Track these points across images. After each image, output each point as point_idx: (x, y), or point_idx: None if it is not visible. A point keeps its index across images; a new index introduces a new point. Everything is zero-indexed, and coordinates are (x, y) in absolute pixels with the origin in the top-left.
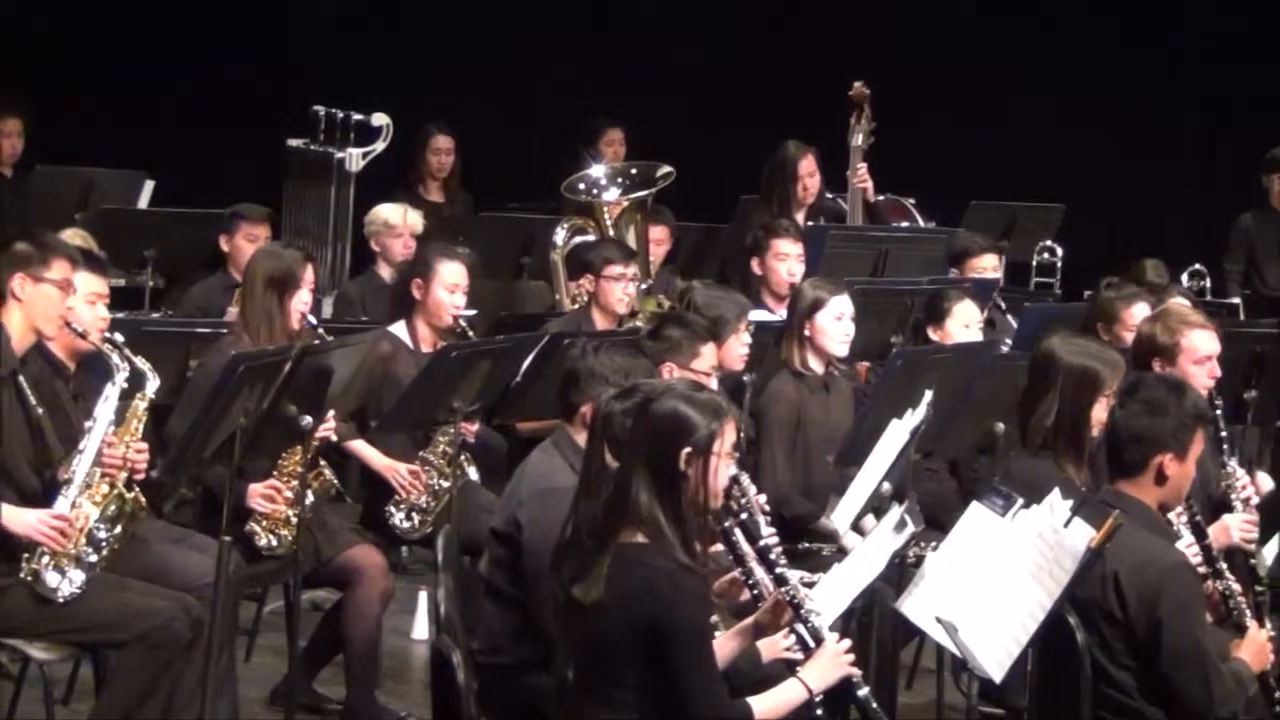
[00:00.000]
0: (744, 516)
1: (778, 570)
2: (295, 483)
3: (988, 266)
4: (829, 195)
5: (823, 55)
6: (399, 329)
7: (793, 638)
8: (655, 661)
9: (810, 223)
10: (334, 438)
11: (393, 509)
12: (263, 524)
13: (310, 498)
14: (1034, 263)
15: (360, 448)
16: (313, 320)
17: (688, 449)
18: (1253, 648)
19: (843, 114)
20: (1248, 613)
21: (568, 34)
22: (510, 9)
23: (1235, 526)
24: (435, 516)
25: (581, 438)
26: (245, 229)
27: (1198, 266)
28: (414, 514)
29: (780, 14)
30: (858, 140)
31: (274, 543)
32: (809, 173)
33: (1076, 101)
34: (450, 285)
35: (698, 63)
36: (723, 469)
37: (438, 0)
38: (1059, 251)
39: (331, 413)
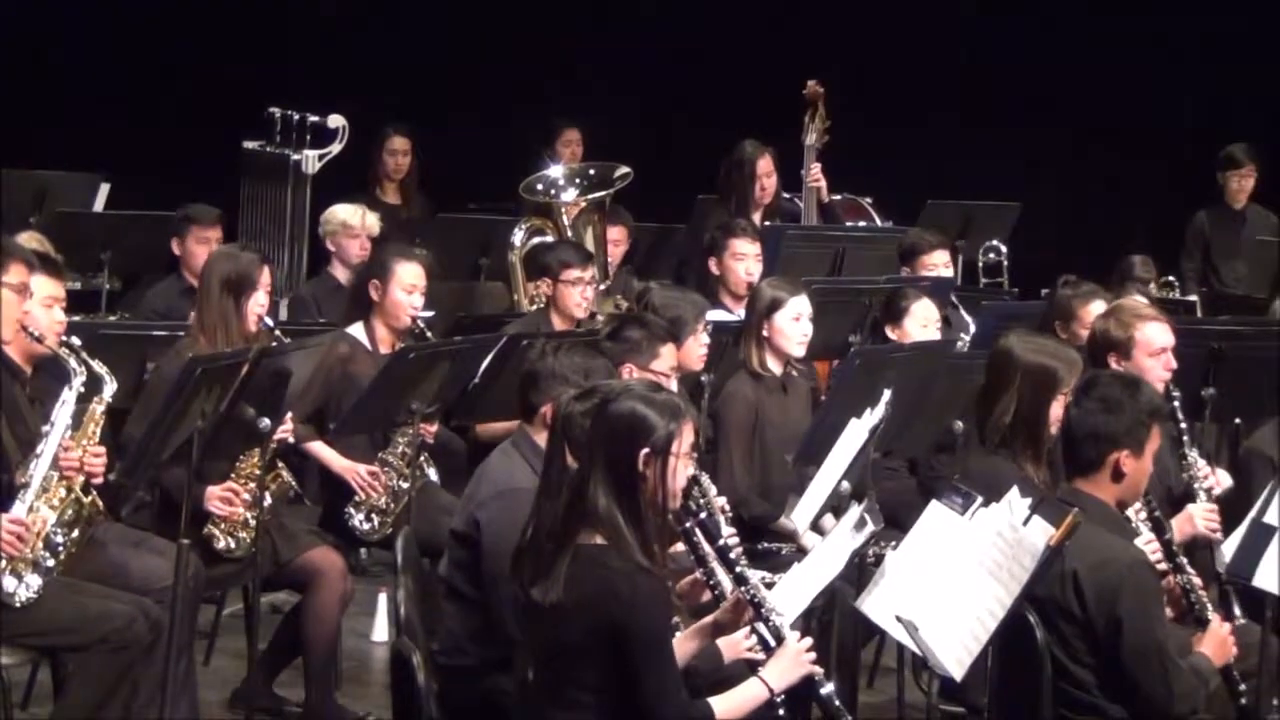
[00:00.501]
0: (703, 516)
1: (737, 570)
2: (253, 485)
3: (938, 264)
4: (785, 196)
5: (780, 55)
6: (357, 330)
7: (754, 637)
8: (615, 663)
9: (767, 223)
10: (292, 440)
11: (352, 510)
12: (221, 526)
13: (268, 500)
14: (980, 262)
15: (319, 449)
16: (269, 322)
17: (646, 450)
18: (1214, 641)
19: (799, 114)
20: (1209, 606)
21: (526, 34)
22: (467, 10)
23: (1199, 515)
24: (394, 518)
25: (541, 438)
26: (196, 231)
27: (1169, 278)
28: (373, 515)
29: (738, 13)
30: (811, 139)
31: (232, 545)
32: (766, 172)
33: (1033, 100)
34: (408, 286)
35: (655, 63)
36: (681, 469)
37: (394, 1)
38: (1004, 250)
39: (290, 415)
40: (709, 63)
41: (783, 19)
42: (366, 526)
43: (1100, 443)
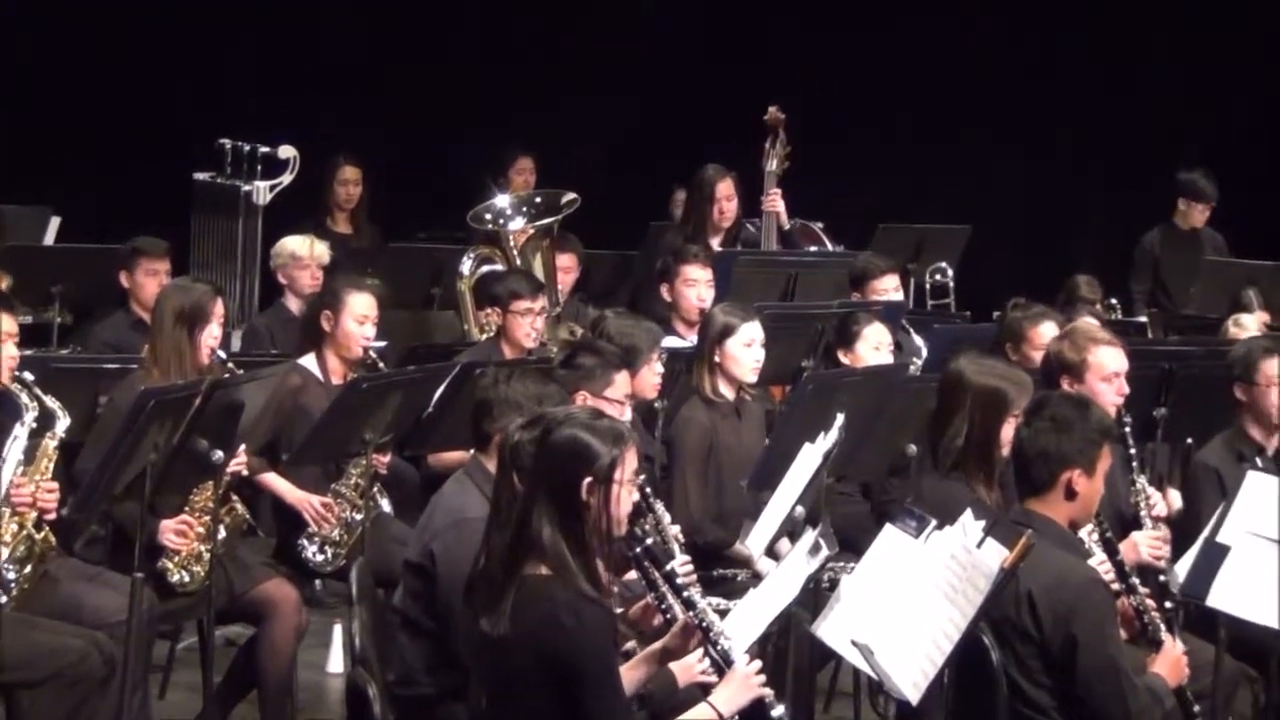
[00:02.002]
0: (649, 543)
1: (685, 595)
2: (207, 518)
3: (888, 288)
4: (748, 223)
5: (739, 82)
6: (309, 361)
7: (706, 660)
8: (563, 694)
9: (723, 247)
10: (245, 472)
11: (305, 542)
12: (174, 560)
13: (222, 533)
14: (926, 285)
15: (272, 480)
16: (223, 355)
17: (589, 478)
18: (1168, 662)
19: (760, 142)
20: (1162, 627)
21: (475, 63)
22: (416, 39)
23: (1144, 543)
24: (348, 549)
25: (494, 466)
26: (145, 264)
27: (1112, 301)
28: (326, 547)
29: (695, 41)
30: (772, 165)
31: (186, 579)
32: (726, 196)
33: (985, 123)
34: (359, 317)
35: (612, 89)
36: (625, 496)
37: (343, 32)
38: (949, 272)
39: (243, 447)
40: (665, 89)
41: (740, 45)
42: (320, 558)
43: (1052, 462)
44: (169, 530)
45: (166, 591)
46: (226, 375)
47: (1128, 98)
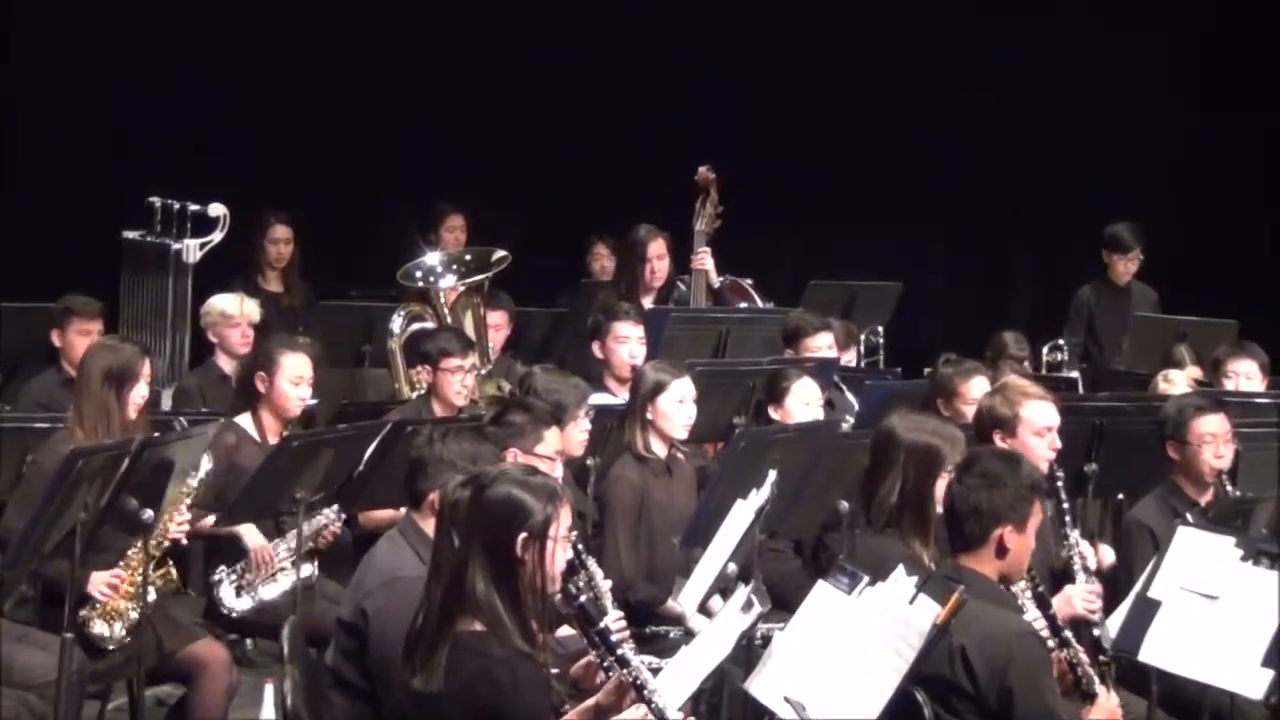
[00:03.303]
0: (583, 599)
1: (619, 652)
2: (139, 577)
3: (822, 345)
4: (678, 281)
5: (671, 140)
6: (244, 420)
7: (644, 711)
8: None
9: (654, 305)
10: (184, 541)
11: (223, 578)
12: (97, 610)
13: (153, 595)
14: (861, 344)
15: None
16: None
17: (524, 534)
18: (1104, 713)
19: (692, 200)
20: (1096, 679)
21: (406, 121)
22: (346, 96)
23: (1078, 597)
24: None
25: (428, 526)
26: (77, 324)
27: (1059, 341)
28: (242, 592)
29: (629, 99)
30: (701, 224)
31: (106, 632)
32: (658, 255)
33: (914, 179)
34: (294, 378)
35: (543, 148)
36: (559, 553)
37: (273, 89)
38: (880, 330)
39: (186, 517)
40: (598, 147)
41: (672, 105)
42: (235, 601)
43: (983, 518)
44: (101, 582)
45: (90, 647)
46: (156, 434)
47: (1058, 159)
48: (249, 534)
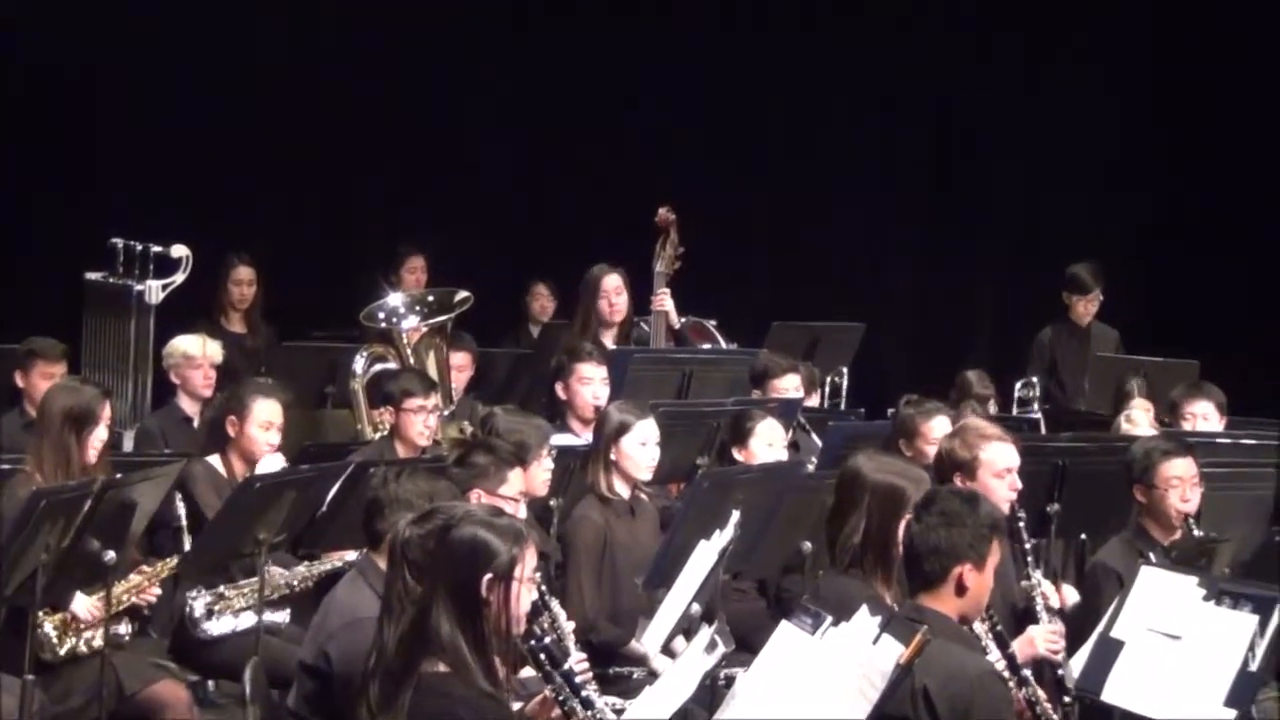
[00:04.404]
0: (547, 641)
1: (583, 694)
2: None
3: (789, 386)
4: (637, 320)
5: (634, 183)
6: (214, 461)
7: None
8: None
9: (616, 345)
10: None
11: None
12: (56, 623)
13: (125, 628)
14: (826, 385)
15: None
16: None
17: (489, 575)
18: None
19: (652, 243)
20: (1055, 718)
21: (371, 161)
22: (308, 138)
23: (1041, 638)
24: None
25: (387, 564)
26: (41, 366)
27: (1033, 379)
28: (214, 612)
29: (590, 141)
30: (660, 266)
31: (60, 650)
32: (616, 290)
33: (878, 222)
34: (264, 423)
35: (504, 189)
36: (524, 594)
37: (235, 131)
38: (845, 371)
39: (158, 592)
40: (560, 187)
41: (634, 147)
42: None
43: (942, 557)
44: (86, 605)
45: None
46: (118, 475)
47: (1021, 201)
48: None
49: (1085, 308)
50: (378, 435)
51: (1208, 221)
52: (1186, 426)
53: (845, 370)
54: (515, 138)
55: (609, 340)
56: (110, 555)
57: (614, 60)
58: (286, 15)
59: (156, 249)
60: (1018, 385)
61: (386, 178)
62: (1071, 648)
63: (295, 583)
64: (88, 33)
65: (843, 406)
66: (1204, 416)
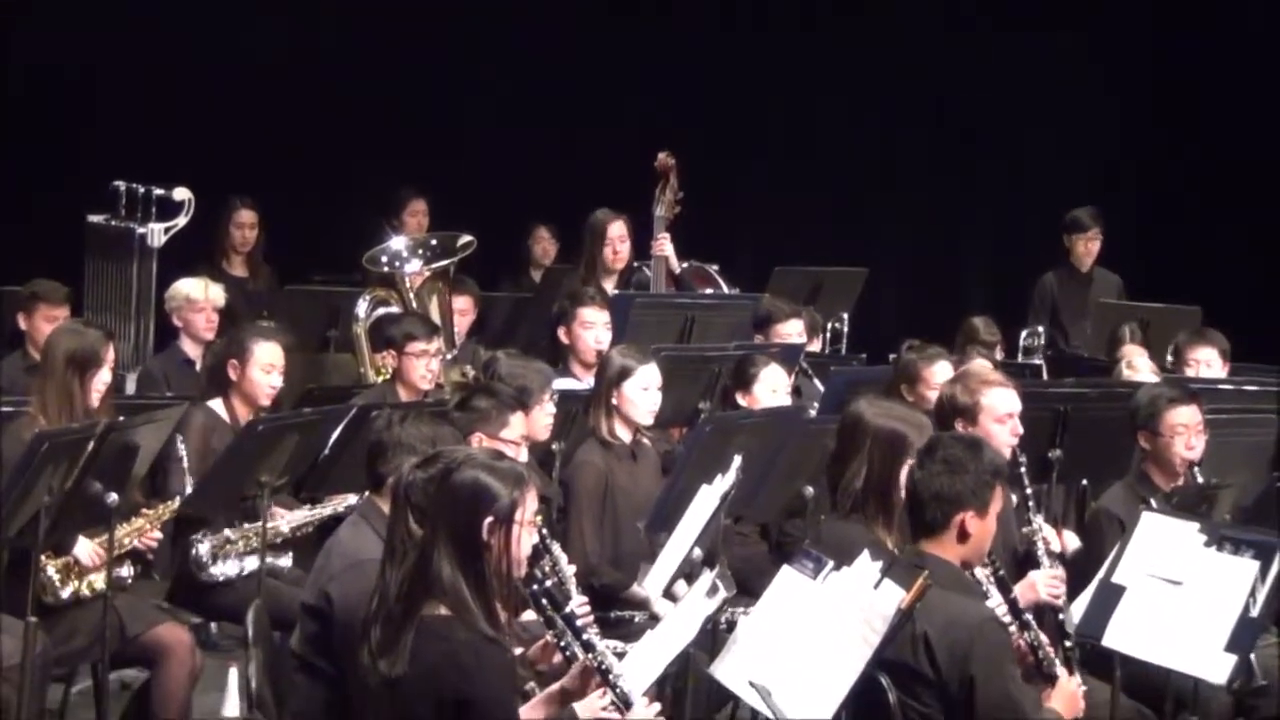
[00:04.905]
0: (548, 584)
1: (584, 637)
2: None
3: (792, 332)
4: (637, 265)
5: (632, 125)
6: (216, 405)
7: (609, 696)
8: None
9: (618, 291)
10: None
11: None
12: (58, 566)
13: (127, 571)
14: (828, 330)
15: None
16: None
17: (490, 518)
18: (1064, 696)
19: (652, 187)
20: (1057, 663)
21: (370, 105)
22: (311, 80)
23: (1042, 582)
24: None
25: (389, 508)
26: (44, 310)
27: (1039, 328)
28: (218, 556)
29: (591, 86)
30: (660, 210)
31: (62, 593)
32: (619, 237)
33: (877, 166)
34: (266, 366)
35: (506, 132)
36: (525, 537)
37: (237, 74)
38: (844, 316)
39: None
40: (563, 133)
41: (635, 90)
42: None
43: (945, 504)
44: (89, 548)
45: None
46: (121, 418)
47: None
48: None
49: (1086, 247)
50: (380, 379)
51: (1206, 169)
52: (1189, 373)
53: (845, 316)
54: (515, 83)
55: (610, 286)
56: (113, 498)
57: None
58: None
59: (159, 192)
60: (1023, 333)
61: (389, 121)
62: (1073, 593)
63: (298, 526)
64: None
65: (843, 352)
66: (1207, 363)
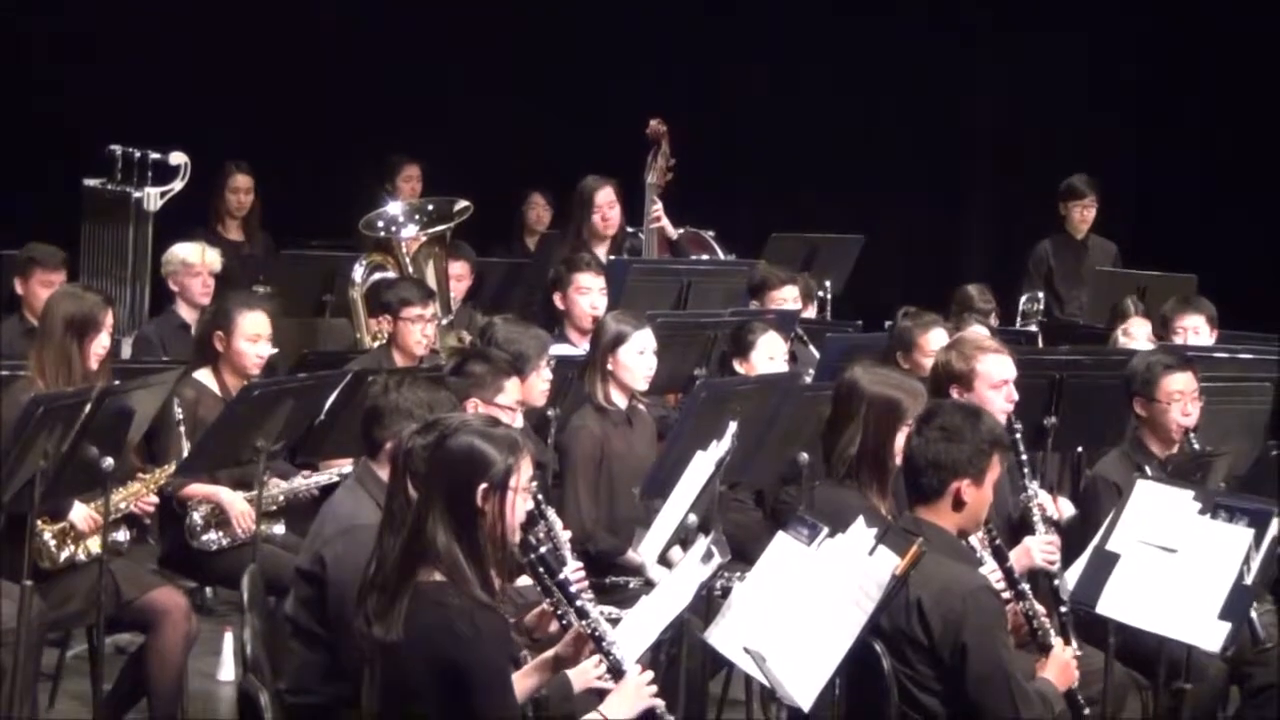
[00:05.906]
0: (543, 551)
1: (578, 604)
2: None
3: (787, 298)
4: (630, 230)
5: (627, 92)
6: (204, 376)
7: (603, 665)
8: (455, 701)
9: (612, 256)
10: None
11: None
12: (55, 532)
13: (123, 535)
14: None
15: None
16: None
17: (484, 485)
18: (1058, 666)
19: (644, 153)
20: (1051, 632)
21: (365, 71)
22: (307, 46)
23: (1037, 548)
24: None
25: (385, 473)
26: (40, 274)
27: (1037, 294)
28: (214, 529)
29: (584, 53)
30: (652, 177)
31: (59, 557)
32: (608, 203)
33: (874, 133)
34: (251, 336)
35: (499, 97)
36: (520, 504)
37: (234, 37)
38: (829, 284)
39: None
40: (556, 97)
41: (624, 56)
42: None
43: (942, 471)
44: (85, 513)
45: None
46: (117, 382)
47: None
48: (232, 499)
49: (1082, 214)
50: (376, 344)
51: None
52: (1178, 340)
53: (828, 284)
54: (514, 48)
55: (601, 253)
56: (108, 462)
57: None
58: None
59: (155, 156)
60: (1022, 299)
61: (385, 86)
62: (1067, 560)
63: (293, 493)
64: None
65: (828, 318)
66: (1195, 330)
